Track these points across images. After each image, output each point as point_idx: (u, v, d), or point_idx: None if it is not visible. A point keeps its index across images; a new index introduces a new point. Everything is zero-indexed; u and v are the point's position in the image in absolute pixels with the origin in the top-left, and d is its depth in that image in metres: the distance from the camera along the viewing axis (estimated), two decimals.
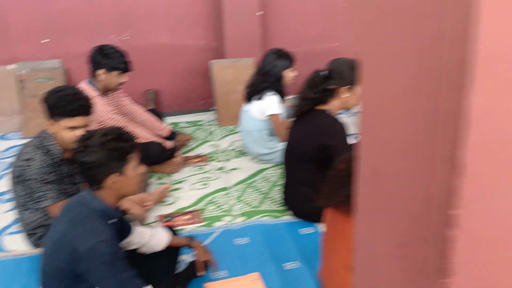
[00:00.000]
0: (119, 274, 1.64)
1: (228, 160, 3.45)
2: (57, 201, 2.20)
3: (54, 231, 1.73)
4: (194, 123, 4.23)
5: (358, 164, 0.83)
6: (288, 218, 2.68)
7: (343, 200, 1.68)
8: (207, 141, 3.79)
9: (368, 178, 0.81)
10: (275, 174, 3.20)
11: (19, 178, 2.20)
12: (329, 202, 1.75)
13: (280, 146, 3.28)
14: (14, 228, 2.64)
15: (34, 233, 2.34)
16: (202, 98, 4.60)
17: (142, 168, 1.82)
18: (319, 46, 4.56)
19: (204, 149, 3.64)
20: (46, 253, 1.74)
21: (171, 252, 2.13)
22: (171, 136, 3.49)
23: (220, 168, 3.32)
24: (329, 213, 1.84)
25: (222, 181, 3.13)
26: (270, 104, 3.22)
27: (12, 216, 2.74)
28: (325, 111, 2.49)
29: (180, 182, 3.13)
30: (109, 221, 1.73)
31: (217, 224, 2.64)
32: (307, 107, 2.51)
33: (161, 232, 2.10)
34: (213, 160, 3.45)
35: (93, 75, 3.04)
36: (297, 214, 2.67)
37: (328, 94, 2.49)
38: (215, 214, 2.73)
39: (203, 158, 3.44)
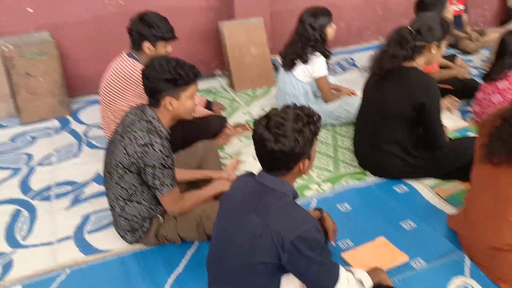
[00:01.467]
0: (326, 259, 1.54)
1: None
2: (174, 187, 2.00)
3: (235, 222, 1.55)
4: (207, 91, 3.98)
5: None
6: (374, 179, 2.67)
7: None
8: (236, 109, 3.61)
9: None
10: (328, 137, 3.16)
11: (131, 167, 1.95)
12: (510, 156, 1.73)
13: (326, 108, 3.22)
14: (91, 226, 2.35)
15: (136, 229, 2.11)
16: (205, 63, 4.33)
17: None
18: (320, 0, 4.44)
19: (238, 118, 3.46)
20: (228, 249, 1.57)
21: None
22: (207, 106, 3.27)
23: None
24: (485, 168, 1.85)
25: None
26: (317, 66, 3.12)
27: (79, 212, 2.46)
28: (416, 68, 2.46)
29: (237, 154, 2.97)
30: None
31: (308, 193, 2.57)
32: (394, 64, 2.46)
33: None
34: None
35: (134, 48, 2.71)
36: (381, 173, 2.67)
37: (417, 51, 2.45)
38: (300, 183, 2.64)
39: (245, 127, 3.27)
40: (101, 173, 2.76)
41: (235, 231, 1.56)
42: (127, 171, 1.97)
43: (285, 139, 1.48)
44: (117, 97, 2.69)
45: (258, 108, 3.61)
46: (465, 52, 4.54)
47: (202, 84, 4.12)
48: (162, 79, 1.92)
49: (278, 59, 4.21)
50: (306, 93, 3.22)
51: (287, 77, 3.25)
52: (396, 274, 1.98)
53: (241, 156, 2.94)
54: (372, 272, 1.76)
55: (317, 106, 3.24)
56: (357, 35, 4.77)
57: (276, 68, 4.14)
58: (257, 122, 1.56)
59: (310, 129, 1.53)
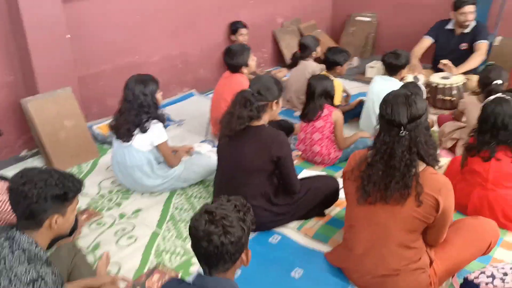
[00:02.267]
0: None
1: (119, 204, 3.08)
2: None
3: None
4: None
5: None
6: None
7: (395, 190, 2.01)
8: None
9: None
10: (183, 202, 3.10)
11: None
12: (383, 194, 2.03)
13: (173, 172, 3.17)
14: None
15: None
16: (8, 146, 3.74)
17: None
18: (122, 61, 4.35)
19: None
20: None
21: None
22: None
23: (123, 216, 2.96)
24: (363, 207, 2.13)
25: (142, 227, 2.83)
26: (157, 133, 3.05)
27: None
28: (265, 125, 2.66)
29: (97, 247, 2.66)
30: None
31: (194, 268, 2.48)
32: (243, 125, 2.60)
33: None
34: (101, 210, 3.02)
35: None
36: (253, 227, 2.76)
37: (261, 110, 2.64)
38: (182, 260, 2.53)
39: (90, 213, 2.96)
40: None
41: None
42: None
43: (233, 230, 1.48)
44: None
45: (93, 186, 3.30)
46: None
47: (12, 171, 3.54)
48: (49, 196, 1.63)
49: (95, 128, 3.96)
50: (149, 161, 3.10)
51: (125, 148, 3.07)
52: None
53: (101, 249, 2.64)
54: None
55: (162, 172, 3.16)
56: (164, 89, 4.79)
57: (95, 138, 3.87)
58: (196, 219, 1.50)
59: (250, 217, 1.54)
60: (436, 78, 4.44)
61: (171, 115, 4.50)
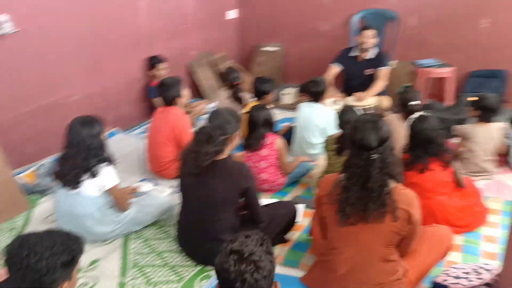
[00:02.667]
0: None
1: None
2: None
3: None
4: None
5: None
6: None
7: (374, 209, 2.16)
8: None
9: None
10: (141, 246, 2.97)
11: None
12: (362, 215, 2.17)
13: (126, 215, 3.03)
14: None
15: None
16: None
17: None
18: (41, 102, 4.06)
19: None
20: None
21: None
22: None
23: (79, 270, 2.72)
24: (345, 229, 2.25)
25: (106, 279, 2.65)
26: (108, 176, 2.89)
27: None
28: (229, 158, 2.68)
29: None
30: None
31: None
32: (209, 161, 2.60)
33: None
34: None
35: None
36: None
37: (224, 143, 2.67)
38: None
39: None
40: None
41: None
42: None
43: (263, 264, 1.48)
44: None
45: None
46: None
47: None
48: (59, 265, 1.48)
49: (19, 178, 3.63)
50: (100, 207, 2.93)
51: (72, 196, 2.87)
52: None
53: None
54: None
55: (114, 217, 3.00)
56: None
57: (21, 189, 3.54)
58: (224, 261, 1.47)
59: (272, 248, 1.56)
60: (351, 101, 4.82)
61: None
